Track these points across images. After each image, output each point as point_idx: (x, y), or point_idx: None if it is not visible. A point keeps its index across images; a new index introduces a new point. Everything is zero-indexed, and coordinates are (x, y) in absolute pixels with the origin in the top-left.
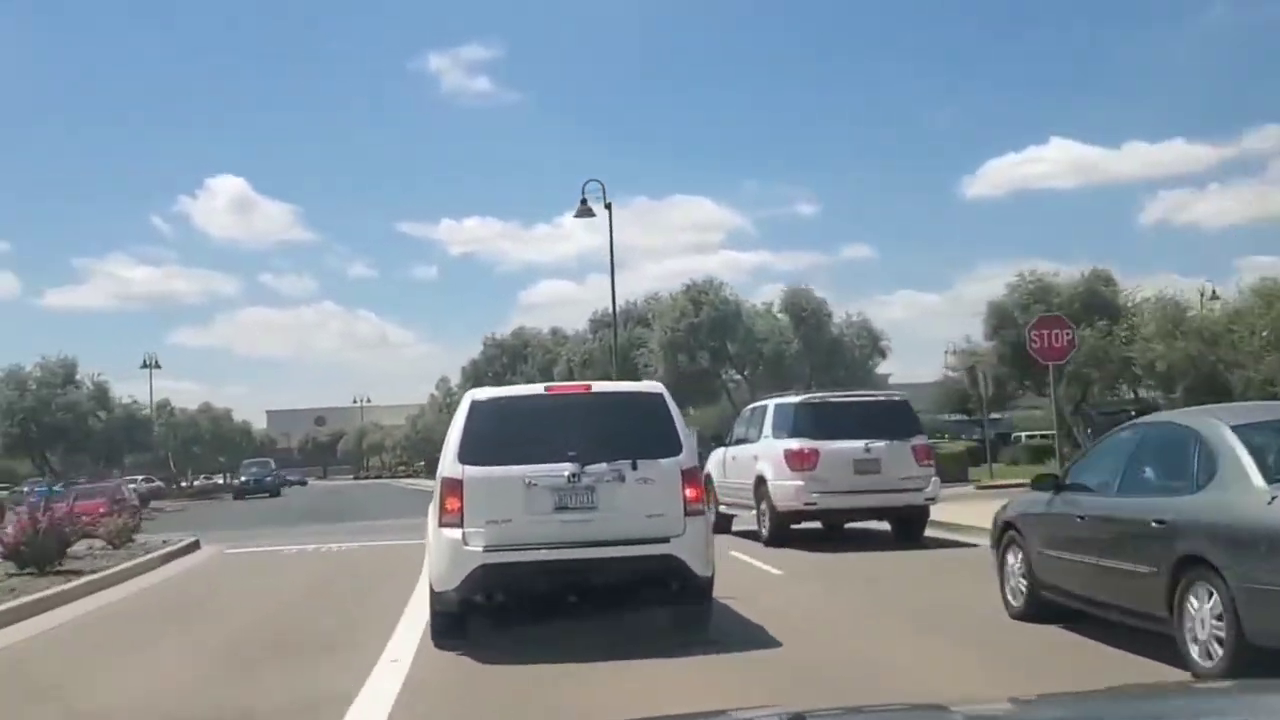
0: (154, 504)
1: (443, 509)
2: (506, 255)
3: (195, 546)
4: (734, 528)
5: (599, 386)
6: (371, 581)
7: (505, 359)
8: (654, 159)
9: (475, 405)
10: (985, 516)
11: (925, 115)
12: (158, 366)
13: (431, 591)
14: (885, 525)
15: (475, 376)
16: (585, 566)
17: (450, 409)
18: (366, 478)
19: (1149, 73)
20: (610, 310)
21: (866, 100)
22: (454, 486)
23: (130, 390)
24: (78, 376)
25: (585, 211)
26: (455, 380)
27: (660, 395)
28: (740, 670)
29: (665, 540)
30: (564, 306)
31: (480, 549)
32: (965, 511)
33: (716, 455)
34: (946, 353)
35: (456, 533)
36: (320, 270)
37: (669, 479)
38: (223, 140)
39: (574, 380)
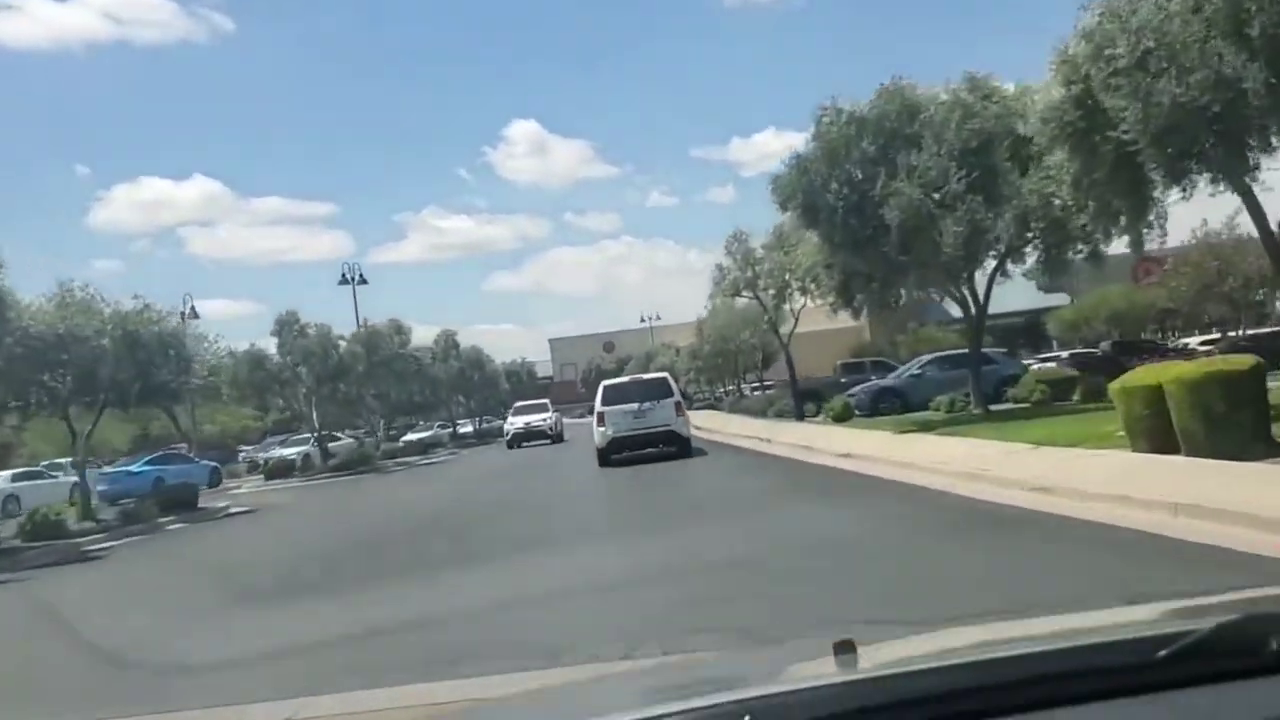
0: None
1: (599, 422)
2: None
3: None
4: None
5: (645, 376)
6: None
7: (867, 141)
8: (947, 40)
9: (605, 386)
10: None
11: None
12: (362, 281)
13: (597, 448)
14: None
15: (809, 179)
16: (645, 437)
17: (749, 282)
18: None
19: None
20: None
21: None
22: (602, 415)
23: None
24: None
25: None
26: (760, 228)
27: (666, 378)
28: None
29: (670, 425)
30: None
31: (612, 433)
32: None
33: None
34: None
35: (605, 428)
36: (620, 204)
37: (670, 405)
38: (511, 87)
39: None
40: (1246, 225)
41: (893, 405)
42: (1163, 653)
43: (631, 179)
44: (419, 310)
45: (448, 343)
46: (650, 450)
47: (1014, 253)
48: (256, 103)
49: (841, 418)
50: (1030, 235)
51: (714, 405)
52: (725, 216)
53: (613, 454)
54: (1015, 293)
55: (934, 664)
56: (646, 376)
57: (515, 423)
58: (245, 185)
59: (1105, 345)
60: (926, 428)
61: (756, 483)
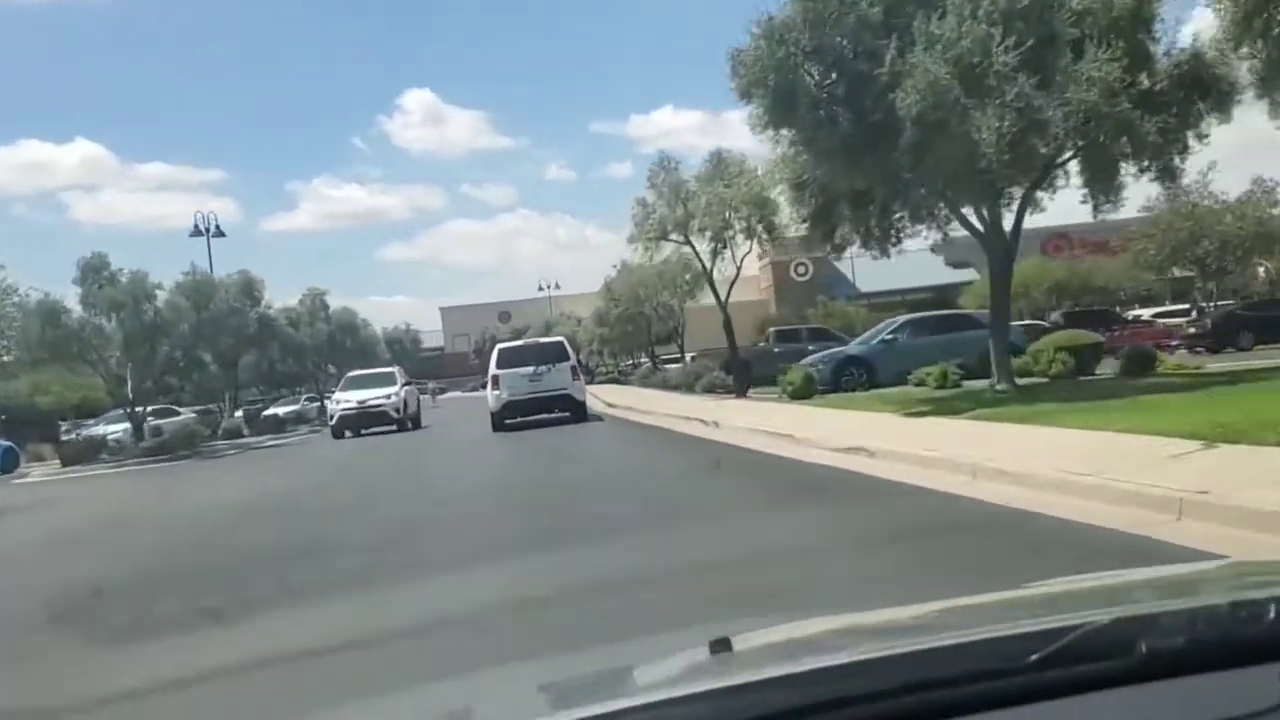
0: None
1: (493, 385)
2: (698, 149)
3: None
4: None
5: (543, 339)
6: None
7: (867, 2)
8: None
9: (500, 349)
10: None
11: None
12: (219, 234)
13: (490, 412)
14: None
15: (787, 54)
16: (541, 401)
17: (680, 222)
18: None
19: None
20: None
21: None
22: (496, 378)
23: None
24: None
25: None
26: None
27: (563, 342)
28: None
29: (566, 389)
30: None
31: (507, 396)
32: None
33: None
34: None
35: (499, 391)
36: (517, 176)
37: (567, 369)
38: (405, 55)
39: None
40: (1221, 183)
41: (856, 379)
42: (1033, 656)
43: (529, 152)
44: (310, 281)
45: (315, 304)
46: (545, 415)
47: (1055, 167)
48: (141, 66)
49: (801, 394)
50: (1081, 144)
51: (619, 380)
52: (624, 192)
53: (507, 418)
54: (924, 268)
55: (798, 668)
56: (543, 340)
57: (344, 400)
58: (130, 150)
59: (1057, 316)
60: (944, 409)
61: (735, 496)
